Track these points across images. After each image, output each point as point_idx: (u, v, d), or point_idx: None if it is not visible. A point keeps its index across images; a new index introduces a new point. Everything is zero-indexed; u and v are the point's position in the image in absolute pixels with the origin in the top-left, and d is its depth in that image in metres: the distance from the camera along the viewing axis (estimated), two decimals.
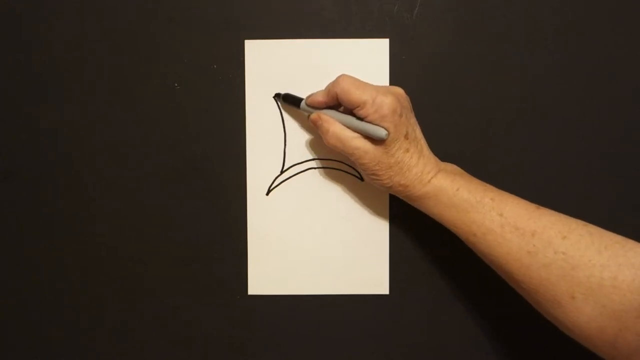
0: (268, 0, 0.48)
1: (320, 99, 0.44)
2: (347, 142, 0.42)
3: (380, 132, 0.40)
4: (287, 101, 0.47)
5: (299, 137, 0.49)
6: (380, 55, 0.48)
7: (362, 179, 0.49)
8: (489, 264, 0.42)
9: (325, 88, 0.44)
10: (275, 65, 0.48)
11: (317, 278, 0.49)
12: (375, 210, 0.49)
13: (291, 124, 0.49)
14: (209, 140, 0.49)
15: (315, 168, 0.49)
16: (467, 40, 0.48)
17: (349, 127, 0.42)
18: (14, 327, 0.50)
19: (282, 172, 0.49)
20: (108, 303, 0.50)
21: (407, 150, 0.41)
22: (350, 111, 0.42)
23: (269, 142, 0.49)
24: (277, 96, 0.48)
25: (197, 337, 0.50)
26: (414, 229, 0.49)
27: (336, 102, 0.43)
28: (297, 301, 0.49)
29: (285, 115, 0.49)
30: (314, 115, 0.44)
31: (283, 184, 0.49)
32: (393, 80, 0.48)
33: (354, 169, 0.49)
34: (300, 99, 0.46)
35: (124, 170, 0.49)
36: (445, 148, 0.47)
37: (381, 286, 0.49)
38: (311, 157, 0.49)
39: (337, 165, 0.49)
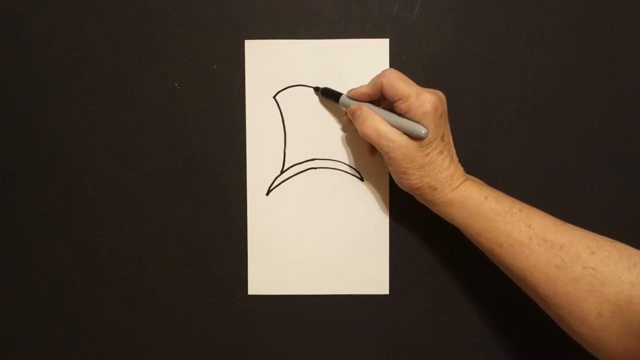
0: (268, 0, 0.48)
1: (364, 90, 0.43)
2: (383, 133, 0.41)
3: (420, 129, 0.39)
4: (326, 95, 0.47)
5: (299, 137, 0.49)
6: (380, 55, 0.48)
7: (362, 179, 0.49)
8: (511, 276, 0.41)
9: (370, 81, 0.43)
10: (275, 65, 0.48)
11: (317, 278, 0.49)
12: (375, 210, 0.49)
13: (291, 124, 0.49)
14: (209, 140, 0.49)
15: (315, 168, 0.49)
16: (467, 40, 0.48)
17: (388, 122, 0.41)
18: (14, 327, 0.50)
19: (282, 172, 0.49)
20: (108, 303, 0.50)
21: (441, 153, 0.41)
22: (391, 107, 0.42)
23: (269, 142, 0.49)
24: (316, 90, 0.48)
25: (197, 337, 0.50)
26: (414, 229, 0.49)
27: (379, 96, 0.43)
28: (297, 301, 0.49)
29: (285, 115, 0.49)
30: (355, 105, 0.43)
31: (283, 184, 0.49)
32: None
33: (354, 169, 0.49)
34: (340, 93, 0.46)
35: (124, 170, 0.49)
36: None
37: (381, 286, 0.49)
38: (311, 157, 0.49)
39: (337, 165, 0.49)
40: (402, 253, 0.49)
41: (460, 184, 0.41)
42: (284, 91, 0.48)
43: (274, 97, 0.49)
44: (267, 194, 0.49)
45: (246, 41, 0.48)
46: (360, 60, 0.48)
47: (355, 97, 0.44)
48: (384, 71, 0.42)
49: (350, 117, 0.44)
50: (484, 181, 0.44)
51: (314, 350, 0.50)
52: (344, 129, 0.49)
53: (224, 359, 0.50)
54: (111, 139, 0.49)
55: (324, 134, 0.49)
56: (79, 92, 0.49)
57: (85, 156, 0.49)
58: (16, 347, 0.50)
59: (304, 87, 0.48)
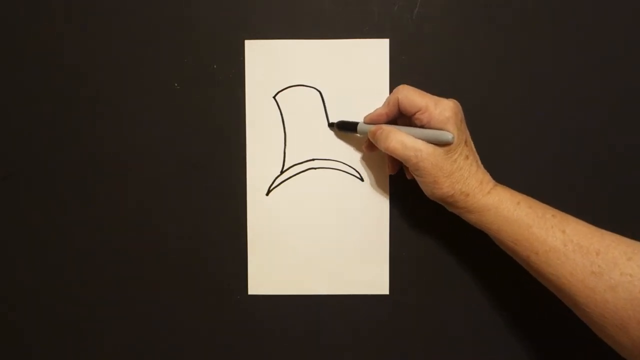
0: (268, 0, 0.48)
1: (380, 111, 0.44)
2: (409, 144, 0.40)
3: (447, 135, 0.39)
4: (342, 128, 0.48)
5: (299, 137, 0.49)
6: (380, 55, 0.48)
7: (362, 179, 0.49)
8: (549, 286, 0.40)
9: (384, 101, 0.44)
10: (275, 65, 0.48)
11: (317, 278, 0.49)
12: (375, 210, 0.49)
13: (291, 124, 0.49)
14: (209, 140, 0.49)
15: (315, 168, 0.49)
16: (467, 40, 0.48)
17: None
18: (14, 327, 0.50)
19: (282, 172, 0.49)
20: (108, 303, 0.50)
21: (467, 157, 0.41)
22: (409, 124, 0.42)
23: (269, 142, 0.49)
24: (331, 125, 0.48)
25: (197, 337, 0.50)
26: (414, 229, 0.49)
27: (396, 114, 0.43)
28: (297, 301, 0.49)
29: (285, 115, 0.49)
30: (374, 127, 0.43)
31: (283, 184, 0.49)
32: (393, 80, 0.48)
33: (354, 169, 0.49)
34: (356, 123, 0.46)
35: (124, 170, 0.49)
36: None
37: (381, 286, 0.49)
38: (311, 157, 0.49)
39: (337, 165, 0.49)
40: (402, 253, 0.49)
41: (491, 189, 0.41)
42: (284, 91, 0.48)
43: (274, 97, 0.49)
44: (267, 194, 0.49)
45: (246, 41, 0.48)
46: (360, 60, 0.48)
47: (372, 120, 0.44)
48: (397, 88, 0.42)
49: (372, 140, 0.44)
50: None
51: (314, 350, 0.50)
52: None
53: (224, 358, 0.50)
54: (111, 139, 0.49)
55: (324, 134, 0.49)
56: (79, 92, 0.49)
57: (85, 156, 0.49)
58: (16, 346, 0.50)
59: (304, 87, 0.48)
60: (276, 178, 0.49)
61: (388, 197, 0.49)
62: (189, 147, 0.49)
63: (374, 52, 0.48)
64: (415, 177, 0.42)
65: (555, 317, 0.49)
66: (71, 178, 0.49)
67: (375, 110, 0.45)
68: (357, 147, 0.48)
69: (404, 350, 0.50)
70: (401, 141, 0.41)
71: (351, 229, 0.49)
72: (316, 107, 0.49)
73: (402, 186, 0.47)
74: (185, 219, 0.49)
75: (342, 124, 0.47)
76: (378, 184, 0.49)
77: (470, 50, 0.48)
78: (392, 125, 0.43)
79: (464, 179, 0.40)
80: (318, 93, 0.48)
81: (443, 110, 0.40)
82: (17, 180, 0.49)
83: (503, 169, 0.48)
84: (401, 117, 0.44)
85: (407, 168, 0.44)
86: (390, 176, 0.48)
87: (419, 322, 0.49)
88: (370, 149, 0.46)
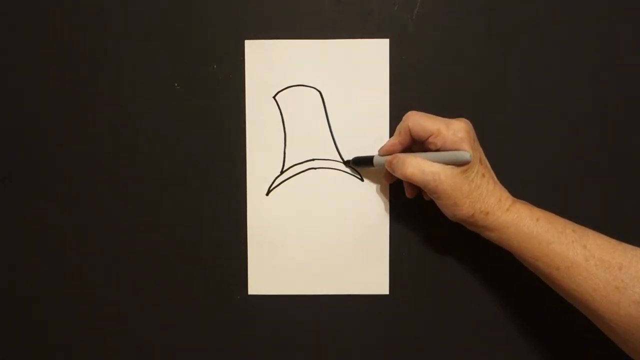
0: (268, 0, 0.48)
1: (393, 141, 0.44)
2: (427, 168, 0.40)
3: (464, 155, 0.39)
4: (359, 164, 0.48)
5: (299, 137, 0.49)
6: (380, 55, 0.48)
7: (362, 179, 0.49)
8: (573, 302, 0.40)
9: (396, 131, 0.44)
10: (275, 65, 0.48)
11: (317, 278, 0.49)
12: (375, 210, 0.49)
13: (291, 124, 0.49)
14: (209, 140, 0.49)
15: (315, 168, 0.49)
16: (467, 40, 0.48)
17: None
18: (13, 327, 0.50)
19: (282, 172, 0.49)
20: (107, 303, 0.50)
21: (484, 175, 0.41)
22: (423, 147, 0.42)
23: (269, 142, 0.49)
24: (347, 163, 0.48)
25: (197, 337, 0.50)
26: (414, 229, 0.49)
27: (409, 142, 0.43)
28: (297, 301, 0.49)
29: (285, 115, 0.49)
30: (390, 157, 0.43)
31: (283, 184, 0.49)
32: (393, 80, 0.48)
33: (354, 169, 0.49)
34: (371, 157, 0.46)
35: (124, 170, 0.49)
36: None
37: (381, 286, 0.49)
38: (311, 157, 0.49)
39: (337, 165, 0.49)
40: (402, 253, 0.49)
41: (510, 206, 0.41)
42: (284, 91, 0.48)
43: (274, 97, 0.49)
44: (267, 194, 0.49)
45: (246, 41, 0.48)
46: (360, 60, 0.48)
47: (386, 152, 0.45)
48: (406, 115, 0.42)
49: (389, 169, 0.44)
50: None
51: (314, 350, 0.50)
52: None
53: (224, 358, 0.50)
54: (111, 139, 0.49)
55: (324, 134, 0.49)
56: (78, 92, 0.49)
57: (85, 156, 0.49)
58: (16, 346, 0.50)
59: (304, 87, 0.48)
60: (276, 178, 0.49)
61: (388, 197, 0.49)
62: (189, 147, 0.49)
63: (374, 52, 0.48)
64: (435, 200, 0.42)
65: (555, 317, 0.49)
66: (71, 178, 0.49)
67: (387, 142, 0.45)
68: (358, 147, 0.48)
69: (404, 350, 0.50)
70: (418, 166, 0.41)
71: (351, 229, 0.49)
72: (316, 107, 0.49)
73: (402, 186, 0.47)
74: (185, 219, 0.49)
75: (357, 160, 0.48)
76: (378, 184, 0.49)
77: (470, 50, 0.48)
78: (408, 153, 0.43)
79: (482, 197, 0.41)
80: (318, 93, 0.48)
81: (456, 132, 0.40)
82: (17, 181, 0.49)
83: (501, 168, 0.48)
84: (415, 144, 0.44)
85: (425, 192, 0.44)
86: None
87: (419, 322, 0.49)
88: (390, 179, 0.47)
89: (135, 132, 0.49)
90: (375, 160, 0.46)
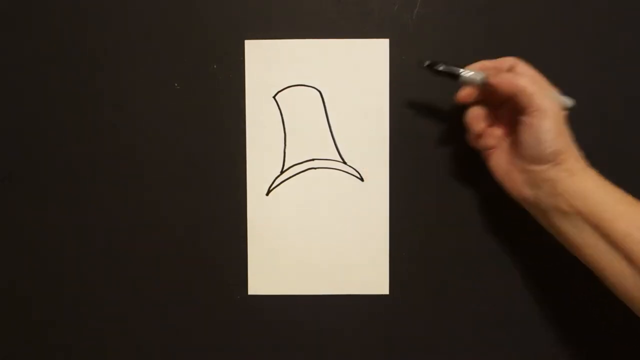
0: (268, 0, 0.48)
1: (487, 64, 0.43)
2: (547, 91, 0.40)
3: (567, 101, 0.41)
4: (441, 73, 0.43)
5: (299, 137, 0.49)
6: (380, 55, 0.48)
7: (362, 179, 0.49)
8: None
9: (492, 67, 0.42)
10: (275, 65, 0.48)
11: (317, 278, 0.49)
12: (375, 210, 0.49)
13: (291, 124, 0.49)
14: (209, 140, 0.49)
15: (315, 168, 0.49)
16: (467, 40, 0.48)
17: None
18: (13, 327, 0.50)
19: (282, 172, 0.49)
20: (107, 303, 0.50)
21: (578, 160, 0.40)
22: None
23: (269, 142, 0.49)
24: (429, 66, 0.43)
25: (197, 337, 0.50)
26: (414, 229, 0.49)
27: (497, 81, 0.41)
28: (297, 301, 0.49)
29: (285, 115, 0.49)
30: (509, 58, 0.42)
31: (283, 184, 0.49)
32: (393, 80, 0.48)
33: (354, 169, 0.49)
34: (459, 70, 0.42)
35: (124, 170, 0.49)
36: (445, 148, 0.47)
37: (381, 286, 0.49)
38: (311, 157, 0.49)
39: (337, 165, 0.49)
40: (402, 253, 0.49)
41: (586, 166, 0.40)
42: (284, 91, 0.48)
43: (274, 97, 0.49)
44: (267, 194, 0.49)
45: (246, 41, 0.48)
46: (360, 60, 0.48)
47: (482, 69, 0.43)
48: (521, 72, 0.41)
49: (495, 75, 0.41)
50: (484, 180, 0.44)
51: (314, 350, 0.50)
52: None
53: (224, 358, 0.50)
54: (111, 139, 0.49)
55: (324, 134, 0.49)
56: (79, 92, 0.49)
57: (85, 156, 0.49)
58: (16, 346, 0.50)
59: (304, 87, 0.48)
60: (276, 178, 0.49)
61: (388, 197, 0.49)
62: (189, 147, 0.49)
63: (374, 52, 0.48)
64: (528, 128, 0.39)
65: (555, 317, 0.49)
66: (71, 178, 0.49)
67: (479, 63, 0.43)
68: (358, 147, 0.48)
69: (404, 350, 0.50)
70: (536, 81, 0.40)
71: (351, 229, 0.49)
72: (316, 107, 0.49)
73: (402, 186, 0.47)
74: (185, 219, 0.49)
75: (442, 71, 0.43)
76: (378, 184, 0.49)
77: (470, 50, 0.48)
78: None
79: (571, 148, 0.40)
80: (318, 93, 0.48)
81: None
82: (17, 181, 0.49)
83: None
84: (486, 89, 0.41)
85: (489, 154, 0.42)
86: (390, 176, 0.48)
87: (419, 322, 0.49)
88: (477, 140, 0.44)
89: (135, 132, 0.49)
90: (464, 76, 0.42)
